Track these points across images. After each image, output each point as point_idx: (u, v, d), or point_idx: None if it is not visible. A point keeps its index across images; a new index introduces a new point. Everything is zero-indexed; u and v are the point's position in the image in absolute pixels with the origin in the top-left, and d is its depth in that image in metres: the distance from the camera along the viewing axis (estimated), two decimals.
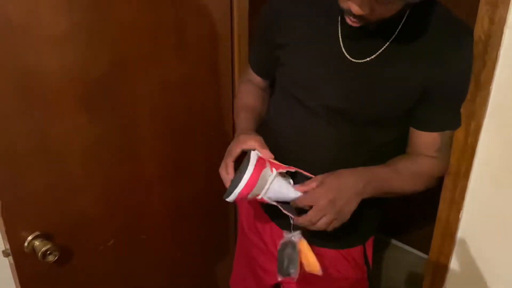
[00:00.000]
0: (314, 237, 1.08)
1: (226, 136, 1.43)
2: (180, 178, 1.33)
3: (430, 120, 0.94)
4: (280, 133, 1.04)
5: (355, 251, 1.11)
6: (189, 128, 1.31)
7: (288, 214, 0.90)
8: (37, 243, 0.99)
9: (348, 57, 0.90)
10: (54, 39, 0.93)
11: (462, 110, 0.96)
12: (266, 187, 0.86)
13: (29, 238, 0.98)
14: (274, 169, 0.87)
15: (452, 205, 1.06)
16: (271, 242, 1.16)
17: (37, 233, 1.00)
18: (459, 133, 0.98)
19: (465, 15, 0.91)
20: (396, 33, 0.87)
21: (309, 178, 0.90)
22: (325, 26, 0.93)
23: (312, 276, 1.10)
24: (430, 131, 0.94)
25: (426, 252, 1.20)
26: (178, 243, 1.41)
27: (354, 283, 1.12)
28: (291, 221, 0.91)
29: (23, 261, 0.99)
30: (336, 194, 0.86)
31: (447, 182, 1.05)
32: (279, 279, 0.96)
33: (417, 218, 2.10)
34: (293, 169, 0.90)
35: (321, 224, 0.87)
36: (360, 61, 0.90)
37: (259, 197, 0.87)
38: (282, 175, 0.89)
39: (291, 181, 0.91)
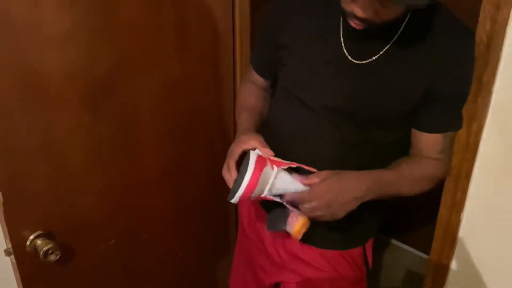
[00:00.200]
0: (314, 237, 1.08)
1: (228, 136, 1.43)
2: (182, 177, 1.34)
3: (432, 122, 0.94)
4: (281, 133, 1.04)
5: (355, 252, 1.11)
6: (191, 127, 1.31)
7: (293, 209, 0.90)
8: (39, 242, 0.99)
9: (350, 58, 0.91)
10: (57, 38, 0.93)
11: (464, 111, 0.95)
12: (269, 185, 0.86)
13: (31, 237, 0.98)
14: (275, 167, 0.87)
15: (453, 206, 1.06)
16: (272, 243, 1.16)
17: (39, 232, 1.00)
18: (461, 134, 0.98)
19: (468, 16, 0.91)
20: (397, 34, 0.87)
21: (312, 172, 0.90)
22: (327, 27, 0.93)
23: (311, 276, 1.11)
24: (432, 132, 0.94)
25: (426, 252, 1.21)
26: (179, 242, 1.42)
27: (352, 284, 1.12)
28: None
29: (24, 260, 0.99)
30: (334, 196, 0.86)
31: (449, 183, 1.05)
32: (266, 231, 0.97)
33: (418, 218, 2.10)
34: (294, 165, 0.90)
35: (311, 216, 0.89)
36: (361, 62, 0.90)
37: (263, 195, 0.87)
38: (285, 170, 0.89)
39: (294, 174, 0.91)
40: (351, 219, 1.07)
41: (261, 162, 0.86)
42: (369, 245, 1.14)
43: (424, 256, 2.07)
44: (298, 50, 0.97)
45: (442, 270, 1.14)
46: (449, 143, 0.97)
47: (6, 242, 0.97)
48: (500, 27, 0.88)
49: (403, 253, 2.21)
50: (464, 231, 1.08)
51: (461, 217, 1.07)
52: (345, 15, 0.83)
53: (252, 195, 0.85)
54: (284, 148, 0.97)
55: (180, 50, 1.19)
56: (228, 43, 1.33)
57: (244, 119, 1.06)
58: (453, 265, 1.13)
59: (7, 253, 0.97)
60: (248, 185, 0.84)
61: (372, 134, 0.96)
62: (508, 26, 0.88)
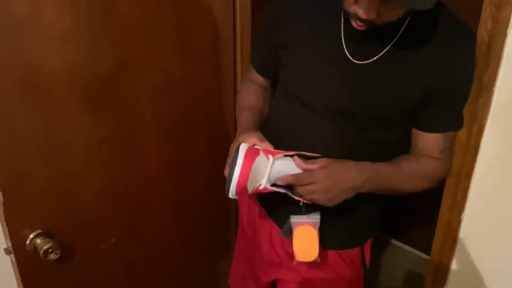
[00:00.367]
0: None
1: (228, 136, 1.43)
2: (182, 177, 1.33)
3: (433, 121, 0.94)
4: (282, 133, 1.04)
5: (353, 252, 1.11)
6: (191, 127, 1.31)
7: (298, 198, 0.90)
8: (38, 241, 0.99)
9: (351, 58, 0.90)
10: (58, 37, 0.93)
11: (465, 111, 0.95)
12: (267, 174, 0.86)
13: (31, 236, 0.98)
14: (270, 156, 0.87)
15: (454, 206, 1.06)
16: (269, 242, 1.16)
17: (39, 231, 1.00)
18: (462, 134, 0.98)
19: (469, 15, 0.91)
20: (398, 34, 0.87)
21: (313, 157, 0.90)
22: (328, 27, 0.93)
23: (308, 275, 1.11)
24: (432, 132, 0.94)
25: (427, 252, 1.21)
26: (180, 241, 1.42)
27: (349, 284, 1.13)
28: (301, 204, 0.91)
29: (24, 259, 0.99)
30: (333, 182, 0.86)
31: (449, 183, 1.05)
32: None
33: (418, 218, 2.10)
34: (291, 153, 0.90)
35: (307, 198, 0.89)
36: (362, 62, 0.90)
37: (261, 186, 0.86)
38: (283, 158, 0.89)
39: (295, 158, 0.90)
40: (351, 219, 1.07)
41: (252, 152, 0.86)
42: (367, 246, 1.14)
43: (425, 256, 2.07)
44: (298, 50, 0.97)
45: (442, 270, 1.14)
46: (450, 143, 0.96)
47: (6, 241, 0.97)
48: (501, 27, 0.87)
49: (404, 253, 2.21)
50: (465, 231, 1.08)
51: (461, 217, 1.07)
52: (346, 15, 0.83)
53: (249, 186, 0.85)
54: (284, 147, 0.97)
55: (181, 49, 1.19)
56: (229, 43, 1.33)
57: (244, 118, 1.06)
58: (454, 265, 1.12)
59: (7, 252, 0.97)
60: (240, 175, 0.83)
61: (373, 134, 0.95)
62: (509, 26, 0.88)
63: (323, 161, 0.88)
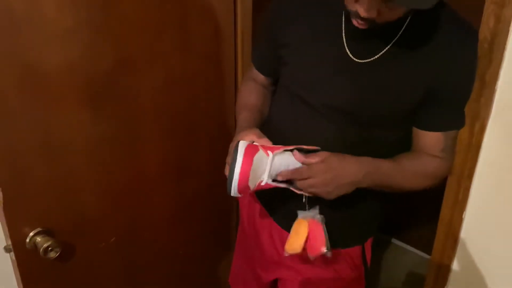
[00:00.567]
0: None
1: (229, 134, 1.42)
2: (183, 176, 1.33)
3: (434, 120, 0.93)
4: (282, 132, 1.03)
5: (354, 251, 1.11)
6: (192, 126, 1.31)
7: (300, 192, 0.90)
8: (38, 239, 0.99)
9: (351, 57, 0.90)
10: (58, 35, 0.93)
11: (466, 110, 0.95)
12: (267, 170, 0.86)
13: (31, 234, 0.98)
14: (269, 152, 0.87)
15: (456, 205, 1.06)
16: (270, 240, 1.16)
17: (39, 229, 1.00)
18: (464, 133, 0.98)
19: (471, 13, 0.90)
20: (400, 33, 0.87)
21: (313, 150, 0.90)
22: (329, 26, 0.93)
23: (309, 274, 1.11)
24: (434, 131, 0.94)
25: (427, 252, 1.20)
26: (180, 241, 1.41)
27: (350, 283, 1.12)
28: (304, 199, 0.92)
29: (24, 257, 0.99)
30: (332, 176, 0.87)
31: (451, 182, 1.05)
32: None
33: (419, 218, 2.10)
34: (290, 147, 0.90)
35: (306, 191, 0.89)
36: (363, 61, 0.90)
37: (263, 182, 0.87)
38: (283, 153, 0.89)
39: (295, 152, 0.90)
40: (351, 217, 1.07)
41: (251, 149, 0.86)
42: (368, 245, 1.14)
43: (425, 256, 2.06)
44: (299, 49, 0.97)
45: (443, 270, 1.14)
46: (451, 142, 0.96)
47: (6, 239, 0.97)
48: (504, 25, 0.87)
49: (405, 253, 2.20)
50: (466, 231, 1.07)
51: (463, 217, 1.06)
52: (347, 14, 0.82)
53: (250, 183, 0.85)
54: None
55: (182, 48, 1.19)
56: (230, 42, 1.32)
57: (243, 117, 1.06)
58: (455, 265, 1.12)
59: (7, 250, 0.97)
60: (241, 173, 0.83)
61: (373, 134, 0.95)
62: (511, 24, 0.87)
63: (322, 155, 0.88)
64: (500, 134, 0.95)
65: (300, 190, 0.89)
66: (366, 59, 0.90)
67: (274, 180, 0.88)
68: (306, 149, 0.90)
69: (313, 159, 0.87)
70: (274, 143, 0.92)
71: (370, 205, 1.09)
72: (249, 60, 1.36)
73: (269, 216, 1.15)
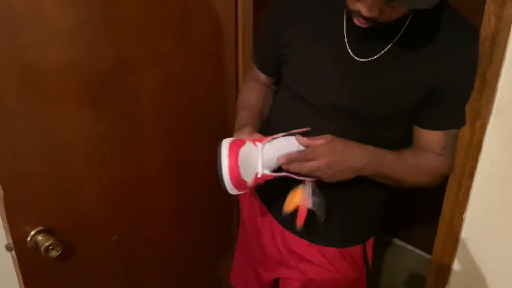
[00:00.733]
0: (314, 235, 1.08)
1: (230, 134, 1.40)
2: (183, 175, 1.33)
3: (434, 119, 0.93)
4: (283, 131, 1.03)
5: (355, 250, 1.11)
6: (193, 125, 1.31)
7: (302, 178, 0.89)
8: (39, 238, 0.99)
9: (353, 56, 0.90)
10: (59, 34, 0.93)
11: (467, 109, 0.95)
12: (259, 160, 0.85)
13: (32, 232, 0.99)
14: (258, 143, 0.86)
15: (456, 205, 1.06)
16: (271, 239, 1.16)
17: (40, 228, 1.00)
18: (465, 132, 0.97)
19: (472, 13, 0.90)
20: (401, 32, 0.87)
21: (306, 132, 0.90)
22: (330, 24, 0.93)
23: (310, 273, 1.11)
24: (434, 129, 0.94)
25: (428, 252, 1.20)
26: (181, 239, 1.41)
27: (351, 282, 1.12)
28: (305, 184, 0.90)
29: (25, 256, 0.99)
30: (338, 159, 0.86)
31: (452, 182, 1.05)
32: (323, 219, 0.94)
33: (420, 218, 2.09)
34: (279, 135, 0.89)
35: (306, 172, 0.87)
36: (364, 60, 0.90)
37: (259, 174, 0.85)
38: (274, 141, 0.88)
39: (296, 136, 0.89)
40: (352, 216, 1.07)
41: (236, 143, 0.86)
42: (369, 244, 1.14)
43: (426, 255, 2.06)
44: (300, 48, 0.97)
45: (444, 270, 1.14)
46: (452, 141, 0.96)
47: (7, 238, 0.97)
48: (505, 24, 0.87)
49: (405, 252, 2.20)
50: (467, 231, 1.07)
51: (464, 217, 1.06)
52: (349, 13, 0.82)
53: (245, 177, 0.84)
54: None
55: (183, 48, 1.19)
56: (231, 41, 1.32)
57: (241, 118, 1.07)
58: (456, 265, 1.12)
59: (8, 248, 0.98)
60: (229, 167, 0.83)
61: (374, 133, 0.95)
62: None
63: (328, 137, 0.87)
64: (501, 133, 0.95)
65: (301, 176, 0.88)
66: (367, 58, 0.90)
67: (273, 171, 0.87)
68: (296, 132, 0.89)
69: (318, 141, 0.87)
70: None
71: (371, 204, 1.09)
72: (250, 59, 1.36)
73: (270, 215, 1.15)
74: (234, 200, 1.54)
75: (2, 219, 0.95)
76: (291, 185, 0.91)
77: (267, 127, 1.06)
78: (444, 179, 1.03)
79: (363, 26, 0.81)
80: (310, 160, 0.85)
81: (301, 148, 0.88)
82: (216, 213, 1.52)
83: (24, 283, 1.01)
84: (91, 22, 0.97)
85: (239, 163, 0.83)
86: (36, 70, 0.92)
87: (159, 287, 1.40)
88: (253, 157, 0.85)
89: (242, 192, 0.87)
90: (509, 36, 0.88)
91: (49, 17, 0.90)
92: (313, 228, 1.05)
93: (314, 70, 0.96)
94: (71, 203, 1.07)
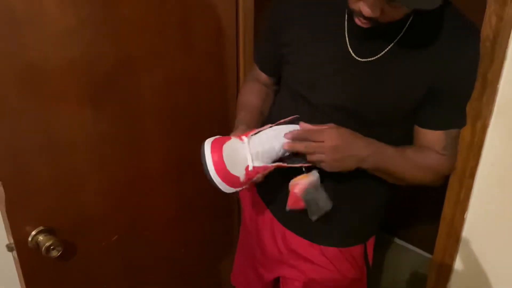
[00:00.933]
0: (315, 234, 1.08)
1: (230, 133, 1.42)
2: (184, 175, 1.33)
3: (435, 119, 0.93)
4: None
5: (356, 250, 1.11)
6: (194, 125, 1.30)
7: (297, 165, 0.88)
8: (41, 238, 0.99)
9: (354, 56, 0.90)
10: (60, 34, 0.93)
11: (468, 109, 0.95)
12: (248, 153, 0.84)
13: (33, 233, 0.99)
14: (244, 137, 0.86)
15: (457, 205, 1.06)
16: (271, 238, 1.16)
17: (41, 228, 1.00)
18: (466, 132, 0.97)
19: (473, 12, 0.90)
20: (402, 32, 0.87)
21: (295, 120, 0.89)
22: (331, 24, 0.93)
23: (310, 272, 1.11)
24: (435, 129, 0.94)
25: (429, 251, 1.20)
26: (182, 239, 1.42)
27: (352, 282, 1.12)
28: (303, 169, 0.90)
29: (27, 256, 0.99)
30: (343, 144, 0.86)
31: (453, 182, 1.05)
32: (313, 219, 0.92)
33: (421, 217, 2.09)
34: (266, 127, 0.88)
35: (311, 157, 0.86)
36: (365, 60, 0.90)
37: (250, 167, 0.84)
38: (261, 133, 0.87)
39: (281, 127, 0.88)
40: (352, 216, 1.07)
41: (219, 140, 0.85)
42: (370, 244, 1.14)
43: (427, 255, 2.06)
44: (302, 47, 0.97)
45: (445, 270, 1.14)
46: (452, 141, 0.96)
47: (8, 238, 0.97)
48: (506, 24, 0.87)
49: (406, 252, 2.20)
50: (468, 230, 1.07)
51: (465, 217, 1.06)
52: (350, 13, 0.82)
53: (234, 171, 0.83)
54: None
55: (183, 47, 1.19)
56: (232, 41, 1.32)
57: (241, 118, 1.07)
58: (457, 264, 1.12)
59: (10, 248, 0.98)
60: (214, 163, 0.82)
61: (375, 132, 0.95)
62: None
63: (332, 124, 0.87)
64: (502, 133, 0.95)
65: (300, 162, 0.87)
66: (368, 58, 0.89)
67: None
68: (283, 122, 0.89)
69: (322, 126, 0.86)
70: None
71: (372, 204, 1.08)
72: (250, 59, 1.36)
73: (271, 214, 1.15)
74: (235, 200, 1.54)
75: (3, 219, 0.96)
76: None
77: None
78: (445, 179, 1.03)
79: (364, 26, 0.81)
80: (315, 141, 0.85)
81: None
82: (216, 213, 1.52)
83: (25, 283, 1.01)
84: (92, 22, 0.98)
85: (224, 157, 0.82)
86: (37, 70, 0.92)
87: (160, 287, 1.40)
88: (240, 151, 0.84)
89: (238, 189, 0.86)
90: (510, 36, 0.88)
91: (49, 17, 0.90)
92: (314, 227, 1.05)
93: (315, 70, 0.96)
94: (72, 203, 1.07)
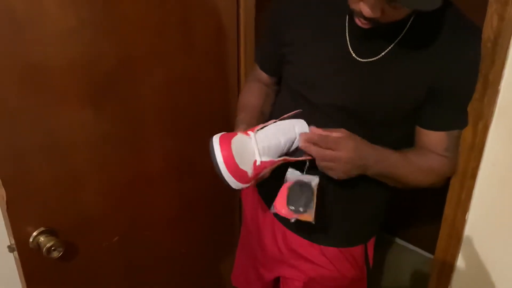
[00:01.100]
0: (315, 234, 1.08)
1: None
2: (185, 174, 1.33)
3: (436, 120, 0.93)
4: None
5: (356, 250, 1.11)
6: (195, 125, 1.31)
7: (302, 159, 0.88)
8: (42, 238, 0.99)
9: (354, 56, 0.90)
10: (60, 34, 0.93)
11: (470, 110, 0.94)
12: (255, 147, 0.84)
13: (34, 233, 0.99)
14: (250, 132, 0.86)
15: (459, 205, 1.05)
16: (272, 238, 1.16)
17: (42, 228, 1.00)
18: (467, 133, 0.97)
19: (474, 12, 0.90)
20: (403, 33, 0.87)
21: (297, 113, 0.89)
22: (333, 24, 0.93)
23: (310, 272, 1.11)
24: (436, 130, 0.94)
25: (431, 251, 1.20)
26: (183, 239, 1.42)
27: (352, 282, 1.12)
28: (307, 163, 0.89)
29: (28, 257, 1.00)
30: (357, 156, 0.85)
31: (454, 182, 1.04)
32: (285, 212, 0.88)
33: (422, 217, 2.09)
34: (270, 122, 0.88)
35: (323, 163, 0.85)
36: (366, 60, 0.90)
37: (258, 162, 0.84)
38: (266, 128, 0.87)
39: (296, 127, 0.88)
40: (353, 216, 1.07)
41: (226, 136, 0.85)
42: (370, 244, 1.14)
43: (429, 255, 2.06)
44: (302, 47, 0.97)
45: (447, 270, 1.14)
46: (454, 142, 0.96)
47: (9, 239, 0.98)
48: (507, 24, 0.86)
49: (408, 252, 2.20)
50: (470, 231, 1.07)
51: (466, 217, 1.06)
52: (351, 13, 0.82)
53: (243, 167, 0.82)
54: None
55: (184, 47, 1.19)
56: (233, 40, 1.32)
57: (240, 119, 1.07)
58: (458, 265, 1.12)
59: (11, 249, 0.98)
60: (224, 158, 0.81)
61: (375, 132, 0.95)
62: None
63: (343, 131, 0.86)
64: (504, 133, 0.95)
65: (304, 159, 0.87)
66: (369, 58, 0.89)
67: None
68: (287, 116, 0.89)
69: (334, 133, 0.85)
70: None
71: (372, 205, 1.08)
72: (251, 59, 1.36)
73: (271, 214, 1.15)
74: (236, 200, 1.54)
75: (5, 220, 0.96)
76: None
77: None
78: (446, 179, 1.03)
79: (364, 26, 0.81)
80: (329, 149, 0.84)
81: (297, 131, 0.87)
82: (218, 213, 1.52)
83: (26, 284, 1.01)
84: (92, 22, 0.98)
85: (233, 152, 0.82)
86: (37, 70, 0.92)
87: (161, 287, 1.40)
88: (248, 146, 0.84)
89: (246, 185, 0.85)
90: None
91: (50, 17, 0.90)
92: (314, 227, 1.05)
93: (316, 70, 0.96)
94: (73, 203, 1.07)
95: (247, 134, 0.85)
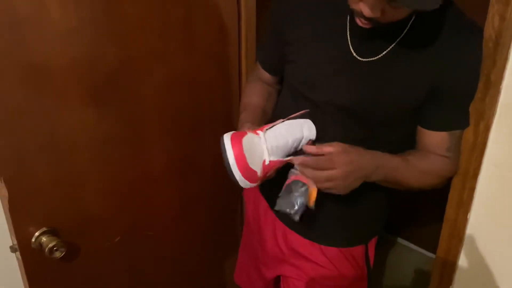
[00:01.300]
0: (315, 234, 1.08)
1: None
2: (187, 174, 1.34)
3: (438, 120, 0.93)
4: None
5: (357, 250, 1.11)
6: (196, 124, 1.31)
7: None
8: (44, 239, 0.99)
9: (355, 55, 0.90)
10: (62, 34, 0.93)
11: (471, 109, 0.94)
12: (264, 147, 0.84)
13: (36, 234, 0.99)
14: (259, 131, 0.86)
15: (460, 205, 1.05)
16: (273, 237, 1.16)
17: (44, 229, 1.00)
18: (468, 133, 0.97)
19: (476, 13, 0.89)
20: (404, 32, 0.86)
21: (304, 114, 0.89)
22: (334, 24, 0.93)
23: (311, 272, 1.11)
24: (438, 130, 0.93)
25: (432, 251, 1.20)
26: (185, 239, 1.42)
27: (352, 282, 1.12)
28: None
29: (30, 257, 1.00)
30: (354, 169, 0.84)
31: (455, 183, 1.04)
32: (276, 208, 0.89)
33: (424, 217, 2.09)
34: (279, 121, 0.89)
35: (321, 184, 0.84)
36: (367, 59, 0.90)
37: (267, 161, 0.84)
38: (275, 127, 0.87)
39: (302, 127, 0.88)
40: (354, 217, 1.07)
41: (237, 135, 0.85)
42: (372, 245, 1.14)
43: (430, 255, 2.06)
44: (304, 47, 0.97)
45: (448, 270, 1.13)
46: (456, 142, 0.96)
47: (11, 239, 0.98)
48: (508, 24, 0.86)
49: (410, 252, 2.20)
50: (471, 231, 1.07)
51: (468, 217, 1.06)
52: (352, 13, 0.82)
53: (253, 166, 0.82)
54: None
55: (186, 47, 1.19)
56: (234, 40, 1.32)
57: (243, 118, 1.07)
58: (460, 264, 1.12)
59: (13, 249, 0.98)
60: (235, 157, 0.81)
61: (376, 132, 0.95)
62: None
63: (335, 145, 0.84)
64: (505, 133, 0.94)
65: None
66: (370, 58, 0.89)
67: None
68: (294, 116, 0.89)
69: (326, 148, 0.83)
70: None
71: (373, 205, 1.08)
72: (253, 59, 1.36)
73: (273, 214, 1.15)
74: (237, 199, 1.55)
75: (7, 220, 0.96)
76: None
77: None
78: (448, 180, 1.03)
79: (365, 26, 0.81)
80: (325, 169, 0.83)
81: (305, 131, 0.87)
82: (220, 213, 1.52)
83: (29, 284, 1.02)
84: (94, 22, 0.98)
85: (244, 151, 0.82)
86: (39, 70, 0.92)
87: (163, 287, 1.40)
88: (257, 145, 0.84)
89: (254, 185, 0.85)
90: None
91: (51, 17, 0.91)
92: (315, 227, 1.05)
93: (317, 70, 0.96)
94: (75, 203, 1.07)
95: (257, 134, 0.86)
